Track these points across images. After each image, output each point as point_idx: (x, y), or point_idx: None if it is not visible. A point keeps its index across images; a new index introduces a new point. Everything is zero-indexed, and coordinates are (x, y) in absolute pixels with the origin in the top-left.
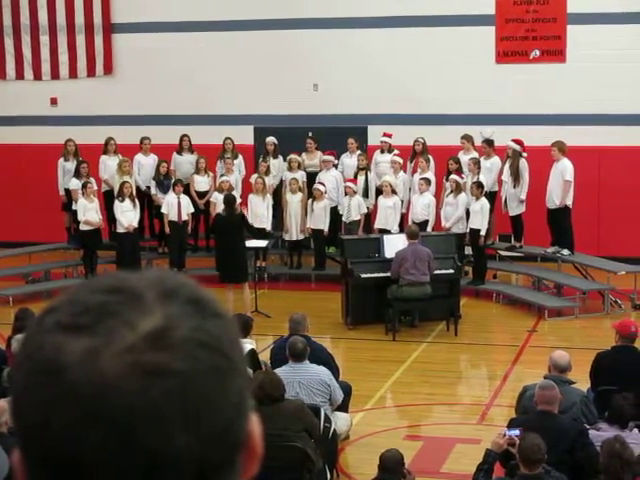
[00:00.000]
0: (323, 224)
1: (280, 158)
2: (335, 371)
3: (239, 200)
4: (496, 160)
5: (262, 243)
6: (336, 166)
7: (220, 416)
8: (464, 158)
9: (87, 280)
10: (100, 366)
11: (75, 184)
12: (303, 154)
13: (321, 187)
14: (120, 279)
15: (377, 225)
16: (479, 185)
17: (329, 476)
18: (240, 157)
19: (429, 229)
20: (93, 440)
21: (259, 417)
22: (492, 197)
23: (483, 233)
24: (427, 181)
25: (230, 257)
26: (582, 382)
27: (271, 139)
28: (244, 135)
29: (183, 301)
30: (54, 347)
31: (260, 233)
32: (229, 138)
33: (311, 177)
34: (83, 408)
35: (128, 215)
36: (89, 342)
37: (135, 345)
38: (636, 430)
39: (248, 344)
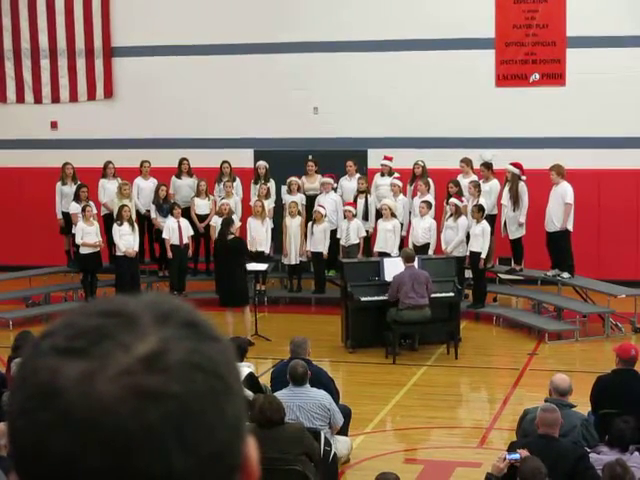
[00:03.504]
0: (323, 247)
1: (272, 182)
2: (335, 395)
3: (239, 224)
4: (495, 183)
5: (262, 266)
6: (335, 189)
7: (216, 439)
8: (464, 181)
9: (84, 304)
10: (95, 389)
11: (75, 208)
12: (303, 177)
13: (321, 209)
14: (116, 303)
15: (377, 248)
16: (480, 208)
17: None
18: (237, 180)
19: (430, 252)
20: (89, 463)
21: (259, 440)
22: (492, 220)
23: (484, 256)
24: (428, 204)
25: (229, 281)
26: (583, 405)
27: (262, 163)
28: (243, 158)
29: (179, 324)
30: (49, 371)
31: (259, 257)
32: (226, 162)
33: (311, 200)
34: (78, 431)
35: (127, 239)
36: (84, 365)
37: (130, 368)
38: (637, 453)
39: (245, 367)
